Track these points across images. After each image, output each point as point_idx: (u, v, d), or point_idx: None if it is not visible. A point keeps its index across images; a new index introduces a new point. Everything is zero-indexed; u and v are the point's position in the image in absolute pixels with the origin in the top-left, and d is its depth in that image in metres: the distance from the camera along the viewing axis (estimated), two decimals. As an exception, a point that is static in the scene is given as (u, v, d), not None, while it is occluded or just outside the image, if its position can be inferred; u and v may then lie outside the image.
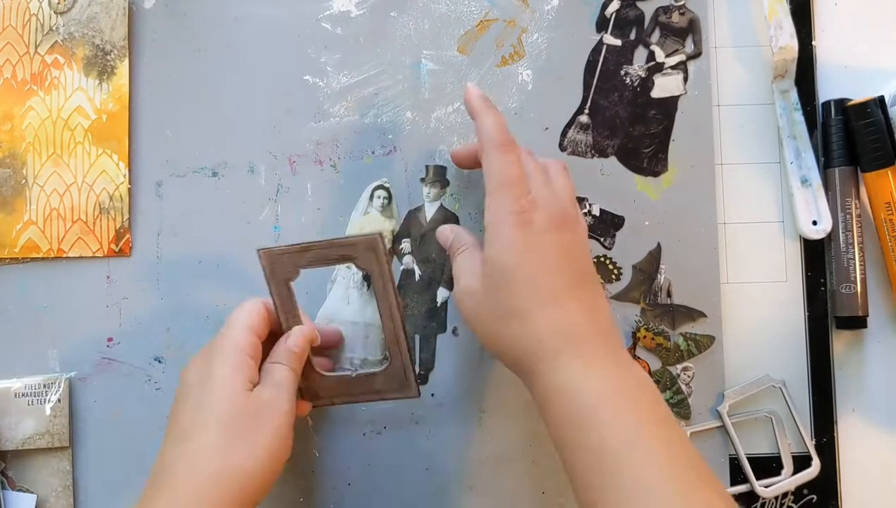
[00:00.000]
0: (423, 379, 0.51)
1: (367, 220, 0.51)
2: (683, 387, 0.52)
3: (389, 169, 0.53)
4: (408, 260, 0.52)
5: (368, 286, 0.51)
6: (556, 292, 0.41)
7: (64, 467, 0.51)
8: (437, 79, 0.53)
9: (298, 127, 0.53)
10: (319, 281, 0.51)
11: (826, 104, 0.53)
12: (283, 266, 0.45)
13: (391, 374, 0.47)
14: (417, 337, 0.52)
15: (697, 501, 0.37)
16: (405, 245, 0.52)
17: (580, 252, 0.44)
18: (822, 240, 0.53)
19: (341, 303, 0.51)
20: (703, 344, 0.52)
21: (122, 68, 0.52)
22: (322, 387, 0.47)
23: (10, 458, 0.50)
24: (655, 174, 0.53)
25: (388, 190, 0.52)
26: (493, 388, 0.52)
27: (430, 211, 0.52)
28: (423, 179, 0.52)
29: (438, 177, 0.52)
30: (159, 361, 0.52)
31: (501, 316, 0.42)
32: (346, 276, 0.51)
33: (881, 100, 0.52)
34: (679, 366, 0.52)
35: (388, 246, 0.51)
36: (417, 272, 0.52)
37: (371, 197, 0.52)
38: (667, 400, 0.52)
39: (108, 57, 0.52)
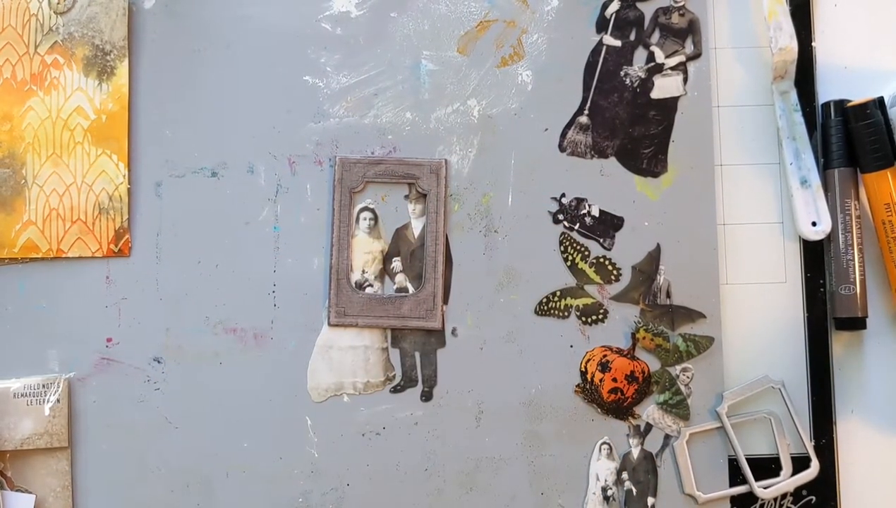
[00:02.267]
0: (427, 395, 0.51)
1: (355, 243, 0.51)
2: (683, 388, 0.52)
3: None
4: (400, 278, 0.52)
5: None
6: None
7: (63, 467, 0.51)
8: (436, 79, 0.53)
9: (298, 127, 0.53)
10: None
11: (826, 105, 0.53)
12: (352, 174, 0.50)
13: (420, 300, 0.47)
14: (418, 355, 0.52)
15: None
16: (396, 264, 0.52)
17: None
18: (821, 241, 0.53)
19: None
20: (702, 344, 0.52)
21: (122, 68, 0.52)
22: (350, 305, 0.49)
23: (8, 458, 0.50)
24: (655, 175, 0.53)
25: (373, 211, 0.52)
26: (493, 388, 0.52)
27: (416, 227, 0.52)
28: (406, 196, 0.52)
29: (422, 193, 0.52)
30: (158, 361, 0.51)
31: None
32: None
33: (881, 101, 0.52)
34: (678, 367, 0.52)
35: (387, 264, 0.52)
36: (411, 289, 0.52)
37: (357, 219, 0.52)
38: (666, 401, 0.52)
39: (108, 57, 0.52)
